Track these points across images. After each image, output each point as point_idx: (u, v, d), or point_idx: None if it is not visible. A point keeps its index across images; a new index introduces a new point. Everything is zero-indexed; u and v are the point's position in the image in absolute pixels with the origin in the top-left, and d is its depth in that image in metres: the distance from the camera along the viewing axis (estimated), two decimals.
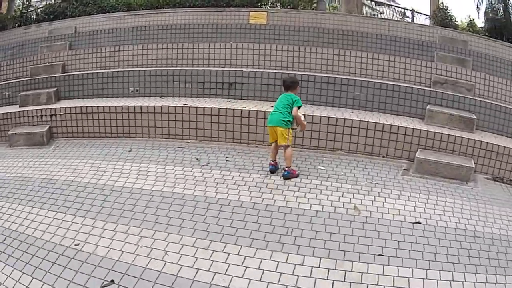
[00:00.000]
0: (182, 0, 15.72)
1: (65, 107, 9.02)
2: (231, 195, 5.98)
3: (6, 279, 4.58)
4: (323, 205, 5.73)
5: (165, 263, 4.53)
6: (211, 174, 6.74)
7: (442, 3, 17.88)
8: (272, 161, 6.73)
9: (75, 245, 4.95)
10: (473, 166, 7.09)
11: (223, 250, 4.75)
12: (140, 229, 5.19)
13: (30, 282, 4.46)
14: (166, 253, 4.70)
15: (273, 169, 6.71)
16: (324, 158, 7.47)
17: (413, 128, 7.54)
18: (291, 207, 5.65)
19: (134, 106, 8.58)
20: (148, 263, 4.55)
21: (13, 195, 6.41)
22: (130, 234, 5.10)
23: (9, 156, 8.35)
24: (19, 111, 9.42)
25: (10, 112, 9.46)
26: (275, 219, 5.35)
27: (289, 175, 6.49)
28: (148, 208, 5.67)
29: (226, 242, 4.89)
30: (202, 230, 5.12)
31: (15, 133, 8.98)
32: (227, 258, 4.61)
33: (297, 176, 6.57)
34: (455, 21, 17.65)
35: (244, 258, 4.60)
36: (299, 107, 6.57)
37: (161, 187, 6.29)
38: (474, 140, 7.48)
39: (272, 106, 6.98)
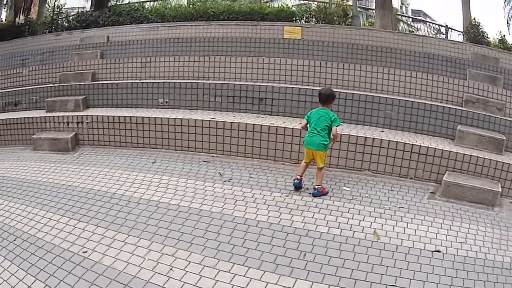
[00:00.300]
0: (216, 13, 15.71)
1: (93, 115, 8.96)
2: (248, 213, 5.77)
3: (10, 277, 4.62)
4: (341, 229, 5.43)
5: (169, 279, 4.39)
6: (232, 190, 6.54)
7: (475, 19, 17.51)
8: (299, 176, 6.47)
9: (83, 252, 4.91)
10: (500, 190, 6.66)
11: (229, 270, 4.55)
12: (150, 242, 5.07)
13: (33, 283, 4.46)
14: (171, 269, 4.55)
15: (299, 184, 6.48)
16: (351, 179, 7.18)
17: (442, 150, 7.19)
18: (308, 230, 5.38)
19: (162, 118, 8.43)
20: (152, 277, 4.43)
21: (30, 198, 6.48)
22: (139, 246, 5.00)
23: (32, 159, 8.37)
24: (45, 116, 9.40)
25: (36, 117, 9.44)
26: (289, 241, 5.10)
27: (319, 194, 6.29)
28: (161, 222, 5.54)
29: (234, 262, 4.68)
30: (212, 248, 4.93)
31: (40, 138, 8.96)
32: (232, 279, 4.40)
33: (326, 193, 6.40)
34: (487, 37, 17.19)
35: (250, 281, 4.36)
36: (337, 126, 6.40)
37: (178, 201, 6.13)
38: (503, 162, 7.06)
39: (300, 123, 6.74)
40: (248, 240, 5.08)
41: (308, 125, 6.44)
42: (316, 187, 6.32)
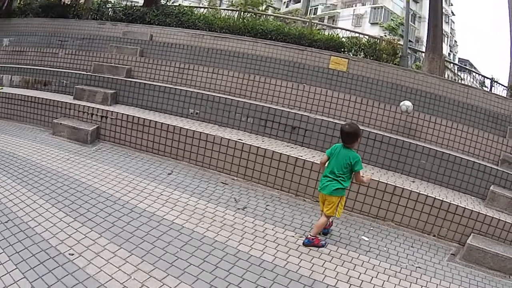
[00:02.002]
0: (264, 31, 15.47)
1: (118, 112, 8.71)
2: (254, 250, 5.33)
3: None
4: (350, 284, 4.94)
5: None
6: (243, 220, 6.14)
7: None
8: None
9: (70, 254, 4.66)
10: None
11: None
12: (140, 260, 4.72)
13: (12, 271, 4.26)
14: None
15: (326, 232, 6.01)
16: (372, 228, 6.73)
17: (471, 210, 6.71)
18: (314, 279, 4.89)
19: (188, 129, 8.12)
20: None
21: (33, 183, 6.38)
22: (128, 262, 4.66)
23: (48, 143, 8.33)
24: (71, 103, 9.22)
25: (62, 101, 9.29)
26: None
27: (310, 244, 5.64)
28: (159, 241, 5.19)
29: None
30: (206, 282, 4.50)
31: (61, 123, 8.80)
32: None
33: (321, 246, 5.70)
34: None
35: None
36: (360, 171, 5.62)
37: (183, 221, 5.79)
38: None
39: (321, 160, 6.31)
40: (246, 280, 4.64)
41: (327, 163, 5.74)
42: (309, 236, 5.69)
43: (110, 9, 18.76)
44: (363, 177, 5.74)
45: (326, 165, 5.74)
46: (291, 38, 15.21)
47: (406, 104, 8.81)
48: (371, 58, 15.75)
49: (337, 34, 17.91)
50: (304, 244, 5.64)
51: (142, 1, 18.28)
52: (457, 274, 5.76)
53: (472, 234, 6.63)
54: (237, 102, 9.15)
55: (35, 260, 4.41)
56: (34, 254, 4.52)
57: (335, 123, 8.53)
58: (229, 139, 7.80)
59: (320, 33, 17.50)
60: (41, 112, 9.44)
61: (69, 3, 18.29)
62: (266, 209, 6.68)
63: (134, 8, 17.17)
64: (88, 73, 10.71)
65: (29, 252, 4.54)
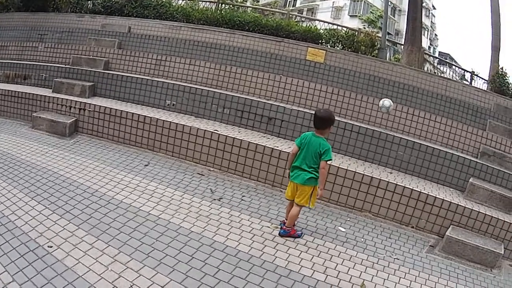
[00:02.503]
0: (242, 22, 15.47)
1: (96, 104, 8.74)
2: (230, 240, 5.37)
3: None
4: (327, 275, 4.96)
5: None
6: (219, 211, 6.19)
7: (502, 68, 16.90)
8: (286, 219, 5.84)
9: (49, 246, 4.70)
10: (502, 252, 6.30)
11: None
12: (117, 252, 4.76)
13: None
14: (131, 286, 4.23)
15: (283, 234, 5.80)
16: (349, 219, 6.81)
17: (450, 202, 6.81)
18: (290, 270, 4.92)
19: (164, 120, 8.17)
20: None
21: (12, 177, 6.43)
22: (105, 254, 4.70)
23: (27, 137, 8.36)
24: (50, 96, 9.25)
25: (41, 95, 9.30)
26: (266, 280, 4.65)
27: (286, 234, 5.68)
28: (135, 232, 5.23)
29: None
30: (181, 272, 4.53)
31: (40, 117, 8.83)
32: None
33: (297, 236, 5.74)
34: None
35: None
36: (328, 161, 5.51)
37: (159, 212, 5.83)
38: (510, 223, 6.68)
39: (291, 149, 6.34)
40: (222, 271, 4.67)
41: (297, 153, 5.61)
42: (284, 227, 5.73)
43: (89, 1, 18.65)
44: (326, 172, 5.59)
45: (296, 155, 5.63)
46: (268, 29, 15.22)
47: (386, 104, 8.40)
48: (349, 50, 15.86)
49: (315, 26, 17.92)
50: (280, 235, 5.67)
51: None
52: (436, 266, 5.81)
53: (451, 226, 6.73)
54: (214, 93, 9.22)
55: (16, 254, 4.46)
56: (15, 247, 4.57)
57: (312, 114, 8.52)
58: (205, 130, 7.87)
59: (298, 24, 17.49)
60: (20, 106, 9.45)
61: None
62: (242, 199, 6.75)
63: (113, 0, 17.10)
64: (67, 66, 10.73)
65: (10, 246, 4.59)
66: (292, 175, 5.63)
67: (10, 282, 4.03)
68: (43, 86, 10.49)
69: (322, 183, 5.53)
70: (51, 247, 4.66)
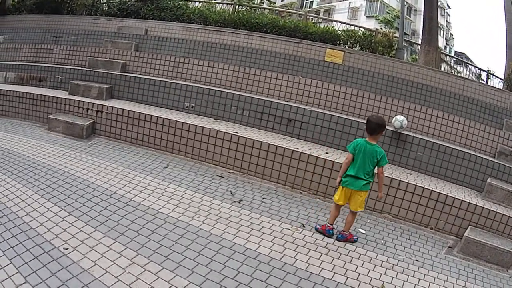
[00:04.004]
0: (260, 24, 15.44)
1: (113, 106, 8.68)
2: (250, 243, 5.28)
3: None
4: (347, 277, 4.88)
5: None
6: (239, 213, 6.10)
7: None
8: (330, 224, 5.83)
9: (64, 248, 4.60)
10: None
11: None
12: (135, 254, 4.68)
13: (6, 266, 4.20)
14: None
15: (331, 234, 5.82)
16: (369, 220, 6.72)
17: (469, 203, 6.70)
18: (311, 272, 4.84)
19: (183, 122, 8.11)
20: None
21: (28, 178, 6.34)
22: (123, 256, 4.61)
23: (43, 139, 8.31)
24: (66, 98, 9.19)
25: (57, 97, 9.27)
26: (287, 283, 4.57)
27: (343, 239, 5.71)
28: (154, 235, 5.15)
29: None
30: (201, 275, 4.44)
31: (56, 119, 8.77)
32: None
33: (354, 241, 5.78)
34: None
35: None
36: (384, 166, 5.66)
37: (179, 214, 5.75)
38: None
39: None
40: (241, 273, 4.59)
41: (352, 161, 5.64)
42: (343, 232, 5.75)
43: (104, 4, 18.70)
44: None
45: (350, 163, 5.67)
46: (286, 31, 15.17)
47: (399, 119, 8.07)
48: (367, 50, 15.72)
49: (333, 27, 17.84)
50: (338, 239, 5.72)
51: None
52: (454, 267, 5.72)
53: (469, 226, 6.64)
54: (233, 95, 9.12)
55: (30, 255, 4.37)
56: (28, 248, 4.48)
57: (331, 115, 8.54)
58: (224, 132, 7.79)
59: (316, 26, 17.45)
60: (36, 108, 9.42)
61: None
62: (262, 201, 6.66)
63: (129, 3, 17.11)
64: (83, 68, 10.70)
65: (24, 247, 4.50)
66: (345, 181, 5.64)
67: (22, 284, 3.93)
68: (59, 88, 10.47)
69: (381, 187, 5.78)
70: (66, 249, 4.56)
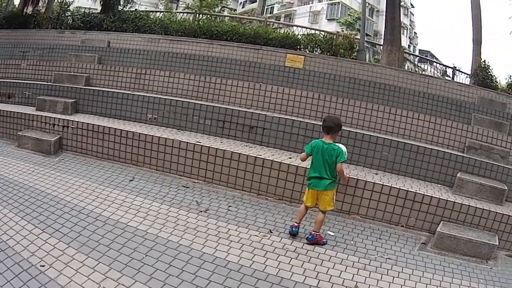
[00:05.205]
0: (220, 32, 15.64)
1: (78, 121, 8.81)
2: (219, 251, 5.40)
3: None
4: (319, 279, 4.97)
5: None
6: (206, 223, 6.22)
7: (485, 61, 16.91)
8: (297, 223, 6.04)
9: (41, 265, 4.73)
10: (497, 243, 6.36)
11: None
12: (108, 269, 4.79)
13: None
14: None
15: (296, 232, 6.03)
16: (337, 222, 6.81)
17: (439, 198, 6.87)
18: (282, 277, 4.94)
19: (146, 134, 8.25)
20: None
21: (2, 197, 6.44)
22: (96, 271, 4.72)
23: (13, 156, 8.41)
24: (33, 114, 9.30)
25: (25, 113, 9.36)
26: None
27: (314, 240, 5.84)
28: (125, 248, 5.26)
29: None
30: (172, 285, 4.58)
31: (25, 135, 8.89)
32: None
33: (323, 244, 5.91)
34: (496, 81, 16.61)
35: None
36: (343, 162, 5.89)
37: (147, 227, 5.87)
38: (502, 214, 6.76)
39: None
40: (213, 282, 4.68)
41: (311, 163, 5.98)
42: (313, 232, 5.88)
43: (69, 17, 18.73)
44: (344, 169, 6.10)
45: (310, 164, 6.02)
46: (246, 38, 15.41)
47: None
48: (328, 53, 16.04)
49: (293, 32, 18.11)
50: (308, 240, 5.85)
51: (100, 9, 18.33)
52: (430, 263, 5.84)
53: (442, 222, 6.77)
54: (194, 105, 9.31)
55: (11, 274, 4.48)
56: (9, 267, 4.60)
57: (293, 120, 8.74)
58: (187, 142, 7.95)
59: (276, 31, 17.69)
60: (6, 125, 9.49)
61: (30, 13, 18.24)
62: (229, 210, 6.78)
63: (92, 15, 17.18)
64: (49, 83, 10.80)
65: (4, 266, 4.62)
66: (310, 183, 5.96)
67: None
68: (27, 104, 10.55)
69: (344, 177, 6.39)
70: (43, 266, 4.70)
